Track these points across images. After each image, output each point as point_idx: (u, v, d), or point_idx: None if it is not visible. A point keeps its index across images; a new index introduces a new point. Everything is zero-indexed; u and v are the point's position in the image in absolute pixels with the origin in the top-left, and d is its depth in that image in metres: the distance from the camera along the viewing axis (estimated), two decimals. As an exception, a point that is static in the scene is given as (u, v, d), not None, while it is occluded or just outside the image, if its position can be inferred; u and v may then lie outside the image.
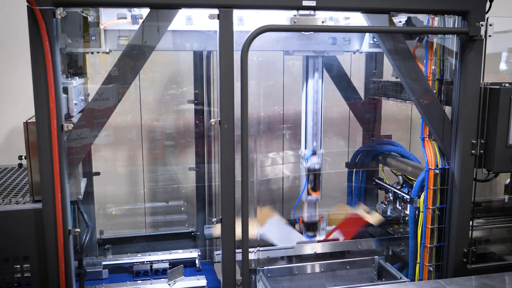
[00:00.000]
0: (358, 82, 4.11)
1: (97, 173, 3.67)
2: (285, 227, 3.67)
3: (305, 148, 3.58)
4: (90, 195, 3.57)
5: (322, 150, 3.59)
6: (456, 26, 2.97)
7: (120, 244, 3.72)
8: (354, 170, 4.10)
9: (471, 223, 3.14)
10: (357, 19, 3.09)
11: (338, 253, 3.58)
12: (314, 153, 3.57)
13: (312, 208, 3.65)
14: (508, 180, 3.56)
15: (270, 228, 3.57)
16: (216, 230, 3.31)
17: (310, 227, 3.66)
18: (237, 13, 2.81)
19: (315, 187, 3.61)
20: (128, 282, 3.16)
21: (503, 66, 3.89)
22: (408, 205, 3.36)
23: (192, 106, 3.97)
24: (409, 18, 3.19)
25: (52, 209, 2.54)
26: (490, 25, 2.88)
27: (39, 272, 2.63)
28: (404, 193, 3.53)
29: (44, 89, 2.44)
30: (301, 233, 3.65)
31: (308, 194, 3.61)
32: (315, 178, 3.60)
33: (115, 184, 4.08)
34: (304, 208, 3.66)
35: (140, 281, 3.13)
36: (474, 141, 3.01)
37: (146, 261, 3.45)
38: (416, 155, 3.85)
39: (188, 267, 3.47)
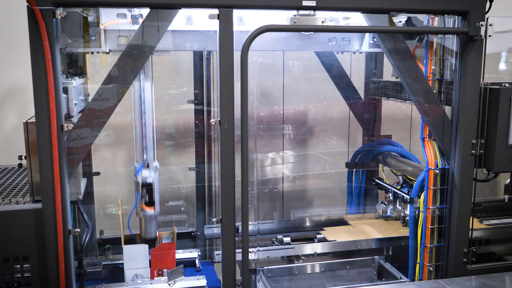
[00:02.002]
0: (358, 82, 4.11)
1: (97, 173, 3.67)
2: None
3: (136, 160, 3.27)
4: (90, 195, 3.57)
5: (156, 162, 3.28)
6: (456, 26, 2.97)
7: (120, 244, 3.71)
8: (354, 170, 4.10)
9: (471, 223, 3.15)
10: (357, 19, 3.09)
11: (338, 253, 3.58)
12: (146, 165, 3.26)
13: (149, 224, 3.33)
14: (508, 180, 3.56)
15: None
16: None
17: (150, 244, 3.26)
18: (237, 13, 2.81)
19: (151, 202, 3.27)
20: (128, 282, 3.16)
21: (503, 66, 3.89)
22: (408, 205, 3.36)
23: (192, 106, 3.96)
24: (409, 18, 3.20)
25: (52, 209, 2.54)
26: (490, 25, 2.88)
27: (39, 272, 2.63)
28: (404, 193, 3.53)
29: (44, 89, 2.44)
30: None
31: (142, 209, 3.27)
32: (149, 192, 3.25)
33: (115, 184, 4.07)
34: (142, 223, 3.33)
35: (140, 281, 3.13)
36: (474, 141, 3.01)
37: (146, 261, 3.45)
38: (416, 155, 3.85)
39: (188, 267, 3.47)
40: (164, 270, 3.13)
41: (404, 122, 4.17)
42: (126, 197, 4.12)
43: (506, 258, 3.38)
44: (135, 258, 3.09)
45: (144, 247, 3.10)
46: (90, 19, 2.88)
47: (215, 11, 2.61)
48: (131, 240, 3.39)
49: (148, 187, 3.25)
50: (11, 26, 3.90)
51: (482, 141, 3.01)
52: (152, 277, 3.09)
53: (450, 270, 3.13)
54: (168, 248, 3.16)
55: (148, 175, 3.24)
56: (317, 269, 3.48)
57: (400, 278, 3.32)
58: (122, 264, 3.33)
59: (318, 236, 3.65)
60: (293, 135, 4.18)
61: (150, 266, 3.10)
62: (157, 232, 3.38)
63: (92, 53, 3.09)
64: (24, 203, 2.70)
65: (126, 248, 3.08)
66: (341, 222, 3.91)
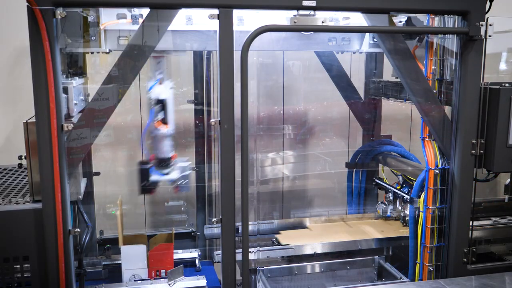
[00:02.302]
0: (358, 82, 4.11)
1: (97, 173, 3.67)
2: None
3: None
4: (90, 195, 3.57)
5: (170, 82, 3.25)
6: (456, 26, 2.97)
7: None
8: (354, 170, 4.10)
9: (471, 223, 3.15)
10: (357, 19, 3.09)
11: (338, 253, 3.58)
12: (160, 82, 3.22)
13: (163, 143, 3.32)
14: (508, 180, 3.56)
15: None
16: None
17: (163, 164, 3.36)
18: (237, 13, 2.81)
19: (164, 119, 3.24)
20: (128, 282, 3.16)
21: (503, 66, 3.89)
22: (408, 205, 3.36)
23: (192, 106, 3.96)
24: (409, 18, 3.19)
25: (52, 209, 2.54)
26: (490, 25, 2.88)
27: (39, 272, 2.63)
28: (404, 193, 3.53)
29: (44, 89, 2.44)
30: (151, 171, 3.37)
31: (156, 127, 3.25)
32: (163, 109, 3.23)
33: (115, 184, 4.07)
34: (155, 142, 3.31)
35: (140, 281, 3.13)
36: (474, 141, 3.01)
37: (146, 261, 3.45)
38: (416, 155, 3.85)
39: (188, 267, 3.47)
40: (162, 270, 3.13)
41: (404, 122, 4.17)
42: (126, 197, 4.12)
43: (506, 258, 3.38)
44: (133, 258, 3.09)
45: (142, 247, 3.11)
46: (90, 19, 2.88)
47: (215, 11, 2.61)
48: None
49: (161, 104, 3.21)
50: (11, 26, 3.90)
51: (482, 141, 3.01)
52: (150, 277, 3.09)
53: (450, 270, 3.13)
54: (166, 249, 3.16)
55: (161, 91, 3.20)
56: (317, 269, 3.48)
57: (400, 278, 3.32)
58: (122, 264, 3.33)
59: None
60: (293, 135, 4.18)
61: (148, 267, 3.10)
62: (172, 152, 3.35)
63: (92, 53, 3.09)
64: (24, 203, 2.70)
65: (124, 249, 3.09)
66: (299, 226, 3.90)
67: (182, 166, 3.37)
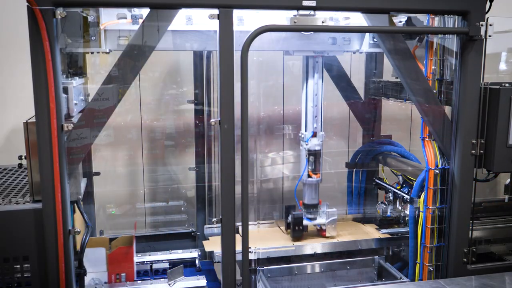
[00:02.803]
0: (358, 82, 4.11)
1: (97, 173, 3.67)
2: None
3: (305, 129, 3.55)
4: (90, 195, 3.57)
5: (322, 132, 3.57)
6: (456, 26, 2.97)
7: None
8: (354, 170, 4.10)
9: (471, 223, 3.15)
10: (357, 19, 3.09)
11: (338, 253, 3.58)
12: (314, 134, 3.53)
13: (312, 190, 3.62)
14: (508, 180, 3.56)
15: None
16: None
17: (310, 209, 3.64)
18: (237, 13, 2.81)
19: (315, 169, 3.57)
20: (128, 282, 3.16)
21: (503, 66, 3.89)
22: (408, 205, 3.36)
23: (192, 106, 3.97)
24: (409, 18, 3.20)
25: (52, 209, 2.54)
26: (490, 25, 2.88)
27: (39, 272, 2.63)
28: (404, 193, 3.53)
29: (44, 89, 2.44)
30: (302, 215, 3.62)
31: (309, 176, 3.57)
32: (315, 160, 3.55)
33: (115, 184, 4.08)
34: (304, 190, 3.63)
35: (140, 281, 3.13)
36: (474, 141, 3.01)
37: (146, 261, 3.45)
38: (416, 155, 3.85)
39: (188, 267, 3.47)
40: (122, 274, 3.06)
41: (404, 122, 4.17)
42: (126, 197, 4.12)
43: (506, 258, 3.38)
44: (93, 261, 3.03)
45: (101, 250, 3.05)
46: (90, 19, 2.88)
47: (215, 11, 2.61)
48: (290, 207, 3.65)
49: (315, 155, 3.52)
50: (11, 26, 3.90)
51: (482, 141, 3.01)
52: (109, 282, 3.02)
53: (450, 270, 3.13)
54: (126, 252, 3.10)
55: (316, 143, 3.52)
56: (317, 269, 3.48)
57: (400, 278, 3.32)
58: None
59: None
60: (293, 135, 4.18)
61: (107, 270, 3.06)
62: (318, 199, 3.65)
63: (92, 53, 3.09)
64: (24, 203, 2.70)
65: (87, 252, 2.99)
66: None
67: (327, 211, 3.64)
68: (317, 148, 3.56)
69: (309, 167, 3.57)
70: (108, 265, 3.07)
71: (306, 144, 3.54)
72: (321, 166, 3.61)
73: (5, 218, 2.60)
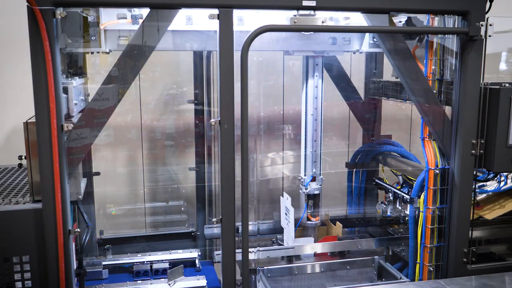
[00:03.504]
0: (358, 82, 4.11)
1: (97, 173, 3.67)
2: None
3: (305, 174, 3.59)
4: (90, 195, 3.57)
5: (321, 176, 3.64)
6: (456, 26, 2.97)
7: (120, 244, 3.72)
8: (354, 170, 4.10)
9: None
10: (357, 19, 3.09)
11: (338, 253, 3.58)
12: (313, 179, 3.60)
13: (311, 233, 3.69)
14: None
15: None
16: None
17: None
18: (237, 13, 2.81)
19: (315, 213, 3.65)
20: (128, 282, 3.16)
21: (503, 66, 3.89)
22: (408, 205, 3.36)
23: (192, 106, 3.97)
24: (409, 18, 3.20)
25: (52, 209, 2.54)
26: (490, 25, 2.88)
27: (39, 272, 2.63)
28: (404, 193, 3.53)
29: (44, 89, 2.44)
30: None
31: (308, 219, 3.64)
32: (314, 203, 3.64)
33: (115, 184, 4.08)
34: (302, 233, 3.69)
35: (140, 281, 3.13)
36: (474, 141, 3.01)
37: (146, 261, 3.45)
38: (416, 155, 3.85)
39: (188, 267, 3.47)
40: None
41: (404, 122, 4.17)
42: (126, 196, 4.13)
43: (506, 258, 3.38)
44: None
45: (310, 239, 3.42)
46: (90, 19, 2.88)
47: (215, 11, 2.61)
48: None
49: (314, 199, 3.57)
50: (11, 26, 3.90)
51: (482, 141, 3.01)
52: None
53: (450, 270, 3.13)
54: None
55: (315, 187, 3.54)
56: (317, 269, 3.48)
57: (400, 278, 3.32)
58: (122, 264, 3.35)
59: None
60: (293, 135, 4.18)
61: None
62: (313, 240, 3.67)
63: (92, 53, 3.09)
64: (24, 203, 2.70)
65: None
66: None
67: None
68: (316, 192, 3.62)
69: (308, 211, 3.62)
70: None
71: (306, 189, 3.58)
72: (320, 209, 3.68)
73: (5, 218, 2.60)
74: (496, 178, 3.41)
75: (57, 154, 2.50)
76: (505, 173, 3.37)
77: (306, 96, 3.53)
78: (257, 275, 3.34)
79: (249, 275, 3.20)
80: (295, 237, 3.51)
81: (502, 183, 3.40)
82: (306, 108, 3.55)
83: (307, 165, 3.60)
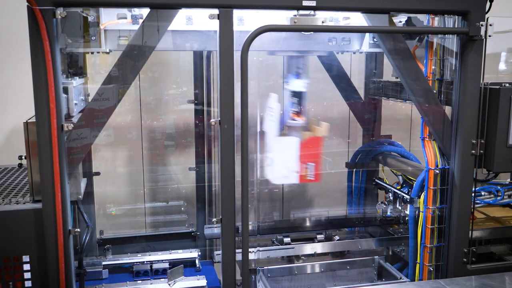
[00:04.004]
0: (358, 82, 4.11)
1: (97, 173, 3.67)
2: None
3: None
4: (90, 195, 3.57)
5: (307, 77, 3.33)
6: (456, 26, 2.97)
7: (120, 244, 3.72)
8: (354, 170, 4.10)
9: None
10: (357, 19, 3.09)
11: (338, 253, 3.58)
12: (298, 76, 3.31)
13: (295, 133, 3.33)
14: (508, 180, 3.56)
15: None
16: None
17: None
18: (237, 13, 2.80)
19: (300, 112, 3.32)
20: (128, 282, 3.16)
21: (503, 66, 3.88)
22: (408, 205, 3.36)
23: (192, 106, 3.97)
24: (409, 18, 3.20)
25: (52, 209, 2.54)
26: (490, 25, 2.88)
27: (39, 272, 2.63)
28: (404, 193, 3.53)
29: (44, 89, 2.44)
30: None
31: (291, 117, 3.32)
32: (299, 102, 3.30)
33: (115, 184, 4.08)
34: (286, 132, 3.36)
35: (140, 281, 3.13)
36: (474, 141, 3.01)
37: (146, 261, 3.45)
38: (416, 155, 3.85)
39: (188, 267, 3.47)
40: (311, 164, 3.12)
41: (404, 122, 4.17)
42: (126, 196, 4.13)
43: (506, 258, 3.38)
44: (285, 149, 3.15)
45: (295, 139, 3.14)
46: (90, 19, 2.88)
47: (215, 11, 2.61)
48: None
49: (298, 97, 3.29)
50: (11, 26, 3.90)
51: (482, 141, 3.01)
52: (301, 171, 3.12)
53: (450, 270, 3.13)
54: (315, 142, 3.18)
55: (300, 85, 3.27)
56: (317, 269, 3.48)
57: (400, 278, 3.32)
58: (122, 264, 3.35)
59: (318, 236, 3.65)
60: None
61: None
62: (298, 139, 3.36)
63: (92, 53, 3.09)
64: (24, 203, 2.70)
65: (278, 140, 3.11)
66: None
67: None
68: (301, 89, 3.27)
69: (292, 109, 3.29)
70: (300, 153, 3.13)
71: (287, 84, 3.29)
72: (305, 107, 3.32)
73: (5, 218, 2.60)
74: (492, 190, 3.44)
75: (57, 154, 2.50)
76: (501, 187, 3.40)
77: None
78: (257, 275, 3.34)
79: (249, 275, 3.20)
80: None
81: (499, 198, 3.43)
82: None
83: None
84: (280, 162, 3.30)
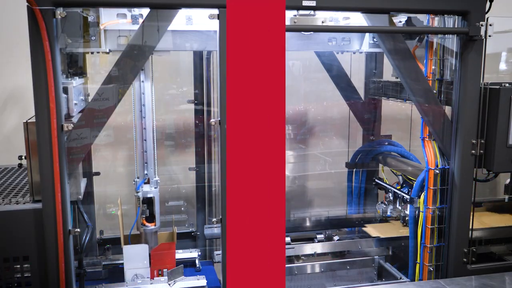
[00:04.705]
0: (358, 82, 4.11)
1: (97, 173, 3.67)
2: None
3: (137, 176, 3.23)
4: (90, 195, 3.57)
5: (156, 177, 3.24)
6: (456, 26, 2.97)
7: (120, 244, 3.71)
8: (354, 170, 4.10)
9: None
10: (357, 19, 3.09)
11: (338, 253, 3.58)
12: (147, 181, 3.24)
13: (150, 239, 3.24)
14: (508, 180, 3.56)
15: None
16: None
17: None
18: (237, 13, 2.80)
19: (152, 218, 3.20)
20: (128, 282, 3.16)
21: (503, 66, 3.89)
22: (408, 205, 3.36)
23: (192, 106, 3.96)
24: (409, 18, 3.20)
25: (52, 209, 2.54)
26: (490, 25, 2.88)
27: (39, 272, 2.63)
28: (404, 193, 3.53)
29: (44, 89, 2.44)
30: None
31: (143, 224, 3.19)
32: (150, 207, 3.18)
33: (115, 184, 4.07)
34: (142, 238, 3.23)
35: (140, 281, 3.13)
36: (474, 141, 3.01)
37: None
38: (416, 155, 3.85)
39: (188, 267, 3.47)
40: (164, 270, 3.13)
41: (404, 122, 4.17)
42: (126, 197, 4.12)
43: (506, 258, 3.38)
44: (135, 258, 3.07)
45: (144, 247, 3.09)
46: (90, 19, 2.88)
47: (215, 11, 2.61)
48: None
49: (149, 203, 3.20)
50: (11, 26, 3.90)
51: (482, 141, 3.01)
52: (152, 277, 3.09)
53: (450, 270, 3.13)
54: (168, 248, 3.15)
55: (149, 190, 3.20)
56: (317, 269, 3.48)
57: (400, 278, 3.32)
58: (122, 264, 3.33)
59: (318, 236, 3.65)
60: (293, 135, 4.18)
61: (150, 266, 3.10)
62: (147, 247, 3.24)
63: (92, 53, 3.09)
64: (24, 203, 2.70)
65: (126, 249, 3.07)
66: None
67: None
68: (150, 195, 3.17)
69: (143, 216, 3.18)
70: (151, 261, 3.09)
71: (137, 192, 3.18)
72: (157, 213, 3.20)
73: (5, 218, 2.60)
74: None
75: (57, 154, 2.50)
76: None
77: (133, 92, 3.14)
78: (257, 275, 3.33)
79: (249, 275, 3.19)
80: (130, 243, 3.18)
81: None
82: (134, 105, 3.19)
83: (138, 167, 3.23)
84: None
